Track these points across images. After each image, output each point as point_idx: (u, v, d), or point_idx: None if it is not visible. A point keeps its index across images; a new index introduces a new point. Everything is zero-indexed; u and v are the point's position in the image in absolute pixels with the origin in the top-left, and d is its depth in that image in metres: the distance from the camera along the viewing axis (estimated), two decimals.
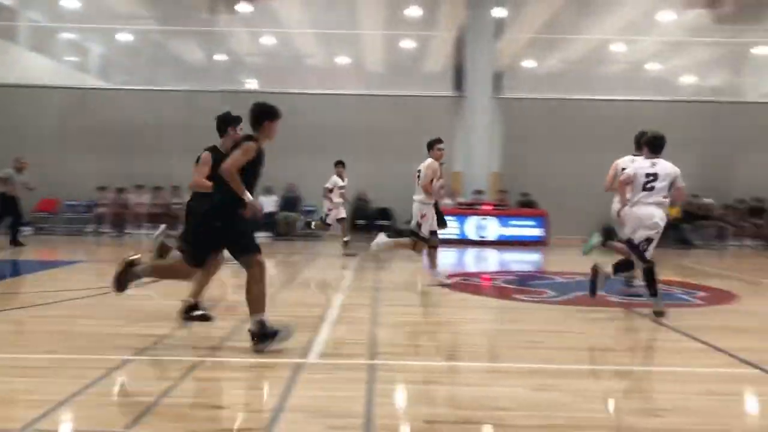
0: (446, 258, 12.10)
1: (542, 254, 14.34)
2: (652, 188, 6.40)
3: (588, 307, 7.05)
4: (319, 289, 8.71)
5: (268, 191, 17.43)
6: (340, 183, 12.22)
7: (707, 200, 16.84)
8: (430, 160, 8.54)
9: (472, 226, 16.11)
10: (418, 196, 8.46)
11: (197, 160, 5.96)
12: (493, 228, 16.07)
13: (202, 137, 6.59)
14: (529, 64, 20.40)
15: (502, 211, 16.32)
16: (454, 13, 18.03)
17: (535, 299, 7.66)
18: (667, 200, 6.51)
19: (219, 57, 20.15)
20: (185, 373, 4.15)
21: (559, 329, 5.90)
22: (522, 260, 13.37)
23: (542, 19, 18.80)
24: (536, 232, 16.13)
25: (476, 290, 8.72)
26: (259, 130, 5.00)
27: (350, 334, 5.42)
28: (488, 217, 16.08)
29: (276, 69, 20.36)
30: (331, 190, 12.15)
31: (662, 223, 6.42)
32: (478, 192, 16.87)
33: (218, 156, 5.62)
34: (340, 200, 12.22)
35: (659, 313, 6.23)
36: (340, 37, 19.69)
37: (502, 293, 8.50)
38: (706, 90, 19.43)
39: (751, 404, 3.96)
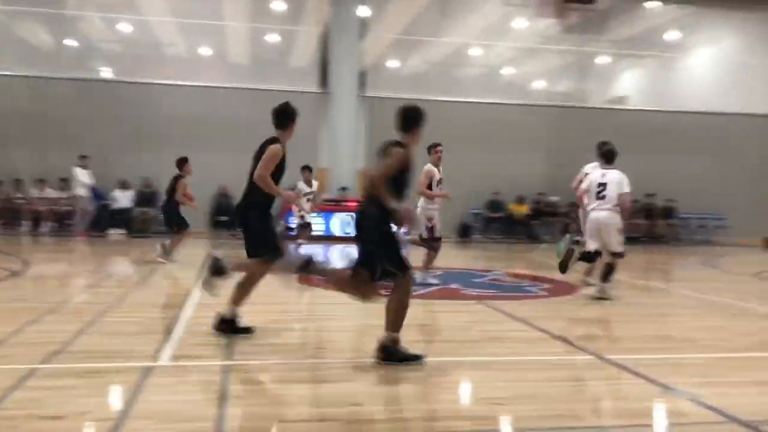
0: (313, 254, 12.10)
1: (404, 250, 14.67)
2: (603, 197, 7.35)
3: (443, 301, 7.33)
4: (175, 288, 8.40)
5: (123, 186, 16.59)
6: (306, 189, 11.90)
7: (554, 198, 18.02)
8: (428, 165, 8.59)
9: (337, 223, 16.22)
10: (422, 203, 8.57)
11: (260, 152, 5.37)
12: None
13: (49, 127, 6.14)
14: (393, 64, 20.82)
15: None
16: (320, 10, 18.04)
17: None
18: (617, 206, 7.38)
19: (69, 42, 18.85)
20: (18, 382, 3.85)
21: (413, 323, 6.05)
22: None
23: (405, 20, 19.26)
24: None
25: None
26: (409, 134, 4.84)
27: (205, 336, 5.27)
28: (354, 213, 16.23)
29: (133, 57, 19.36)
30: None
31: (611, 222, 7.38)
32: (344, 189, 17.00)
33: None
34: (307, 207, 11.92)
35: (602, 298, 7.39)
36: (203, 27, 19.08)
37: None
38: (555, 95, 20.73)
39: (586, 389, 4.27)
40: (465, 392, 4.15)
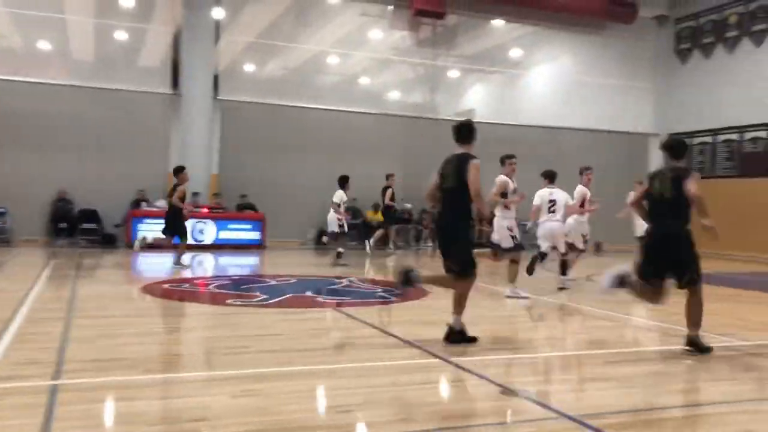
0: (163, 263, 11.58)
1: (259, 257, 14.46)
2: (554, 210, 9.51)
3: (296, 309, 7.28)
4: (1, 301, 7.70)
5: None
6: (345, 198, 13.09)
7: (407, 205, 18.52)
8: (501, 176, 9.04)
9: (188, 230, 15.60)
10: (499, 212, 8.88)
11: (457, 167, 5.68)
12: (210, 231, 15.79)
13: None
14: (249, 67, 20.46)
15: (219, 214, 16.10)
16: (171, 9, 17.37)
17: (247, 303, 7.67)
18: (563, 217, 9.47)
19: None
20: None
21: (265, 333, 5.98)
22: (238, 264, 13.33)
23: (262, 24, 19.00)
24: (254, 235, 16.22)
25: (187, 297, 8.46)
26: (470, 146, 5.83)
27: (32, 353, 4.86)
28: (206, 220, 15.75)
29: None
30: (339, 205, 13.02)
31: (559, 231, 9.56)
32: (195, 194, 16.41)
33: None
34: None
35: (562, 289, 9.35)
36: (42, 19, 17.69)
37: (213, 299, 8.36)
38: (408, 105, 21.32)
39: (432, 392, 4.39)
40: (313, 401, 4.13)
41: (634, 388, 4.46)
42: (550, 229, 9.58)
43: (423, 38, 20.72)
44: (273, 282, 9.77)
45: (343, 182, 13.28)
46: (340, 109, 18.77)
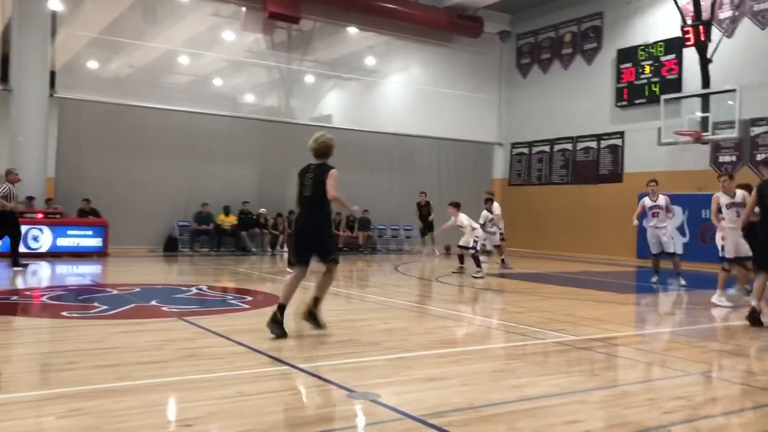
0: None
1: (101, 266, 13.60)
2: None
3: (138, 320, 6.91)
4: None
5: None
6: (490, 216, 13.85)
7: (262, 210, 18.24)
8: (717, 193, 9.22)
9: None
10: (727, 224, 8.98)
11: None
12: (46, 238, 14.65)
13: None
14: (92, 64, 19.24)
15: (56, 220, 14.96)
16: None
17: (85, 315, 7.18)
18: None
19: None
20: None
21: (102, 346, 5.62)
22: (77, 273, 12.46)
23: (106, 19, 17.96)
24: (95, 242, 15.25)
25: (17, 310, 7.77)
26: None
27: None
28: (41, 226, 14.59)
29: None
30: (483, 225, 13.44)
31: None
32: (30, 198, 15.17)
33: None
34: (493, 229, 14.00)
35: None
36: None
37: (47, 311, 7.75)
38: (264, 109, 21.05)
39: (278, 400, 4.31)
40: (151, 417, 3.91)
41: (476, 385, 4.65)
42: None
43: (278, 42, 20.56)
44: (115, 292, 9.21)
45: None
46: (192, 110, 18.16)
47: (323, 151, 6.51)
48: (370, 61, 22.41)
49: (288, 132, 19.49)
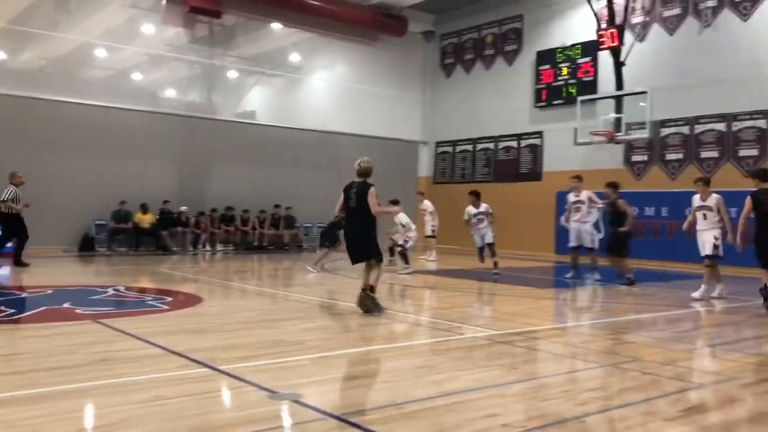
0: None
1: (9, 267, 12.92)
2: (482, 219, 12.30)
3: (50, 323, 6.61)
4: None
5: None
6: (474, 211, 12.93)
7: (183, 208, 17.80)
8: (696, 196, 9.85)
9: None
10: None
11: None
12: None
13: None
14: (0, 56, 18.27)
15: None
16: None
17: None
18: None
19: None
20: None
21: (9, 352, 5.35)
22: None
23: (14, 8, 17.08)
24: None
25: None
26: None
27: None
28: None
29: None
30: (468, 221, 12.92)
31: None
32: None
33: None
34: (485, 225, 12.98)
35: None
36: None
37: None
38: (185, 104, 20.53)
39: (196, 403, 4.21)
40: (62, 425, 3.74)
41: (398, 382, 4.68)
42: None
43: (199, 36, 20.11)
44: (24, 294, 8.79)
45: None
46: (109, 105, 17.50)
47: (365, 172, 7.91)
48: (294, 57, 22.22)
49: (210, 128, 19.10)
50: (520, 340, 6.39)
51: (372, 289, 7.69)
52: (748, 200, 8.86)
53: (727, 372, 5.25)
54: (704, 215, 9.73)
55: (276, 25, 20.75)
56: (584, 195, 12.11)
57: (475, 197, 12.89)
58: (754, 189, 8.93)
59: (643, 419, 3.94)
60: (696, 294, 9.64)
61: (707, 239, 9.66)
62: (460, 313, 8.30)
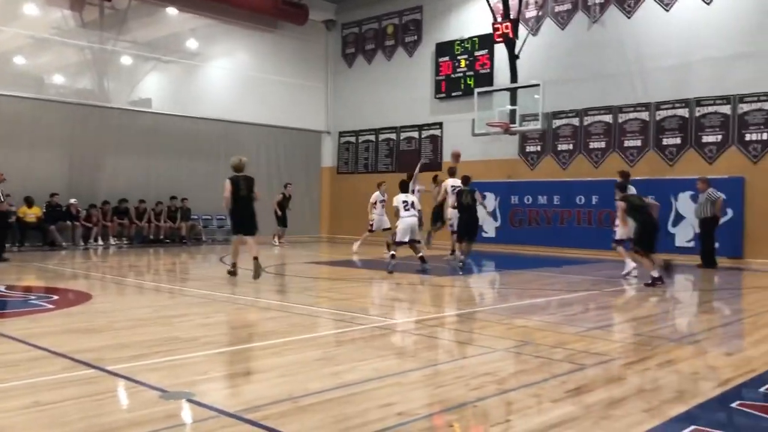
0: None
1: None
2: (408, 209, 11.54)
3: None
4: None
5: None
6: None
7: (72, 200, 16.92)
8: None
9: None
10: None
11: None
12: None
13: None
14: None
15: None
16: None
17: None
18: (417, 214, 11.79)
19: None
20: None
21: None
22: None
23: None
24: None
25: None
26: None
27: None
28: None
29: None
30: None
31: (416, 227, 11.79)
32: None
33: None
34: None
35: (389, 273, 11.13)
36: None
37: None
38: (75, 92, 19.48)
39: (81, 406, 4.00)
40: None
41: (295, 376, 4.64)
42: (407, 224, 11.53)
43: (89, 20, 19.13)
44: None
45: None
46: None
47: (244, 166, 10.28)
48: (192, 44, 21.54)
49: (102, 116, 18.24)
50: (418, 329, 6.49)
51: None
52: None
53: (611, 353, 5.54)
54: None
55: (171, 10, 20.02)
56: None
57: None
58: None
59: (533, 401, 4.09)
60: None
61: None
62: (360, 303, 8.34)
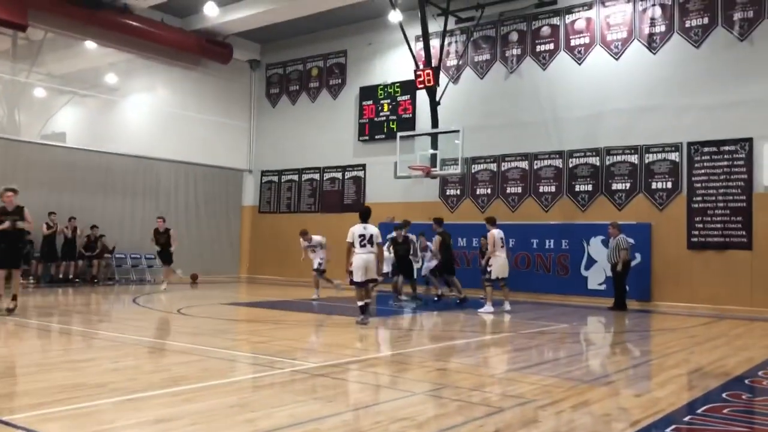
0: None
1: None
2: (364, 245, 10.20)
3: None
4: None
5: None
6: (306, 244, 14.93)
7: None
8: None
9: None
10: None
11: None
12: None
13: None
14: None
15: None
16: None
17: None
18: (375, 249, 10.28)
19: None
20: None
21: None
22: None
23: None
24: None
25: None
26: None
27: None
28: None
29: None
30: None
31: (373, 264, 10.27)
32: None
33: None
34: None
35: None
36: None
37: None
38: None
39: None
40: None
41: (208, 423, 4.46)
42: (363, 260, 10.19)
43: (2, 50, 18.42)
44: None
45: None
46: None
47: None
48: (110, 78, 21.04)
49: (12, 150, 17.47)
50: (337, 372, 6.41)
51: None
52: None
53: (527, 395, 5.62)
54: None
55: (90, 44, 19.54)
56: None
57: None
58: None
59: None
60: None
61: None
62: (279, 346, 8.18)
